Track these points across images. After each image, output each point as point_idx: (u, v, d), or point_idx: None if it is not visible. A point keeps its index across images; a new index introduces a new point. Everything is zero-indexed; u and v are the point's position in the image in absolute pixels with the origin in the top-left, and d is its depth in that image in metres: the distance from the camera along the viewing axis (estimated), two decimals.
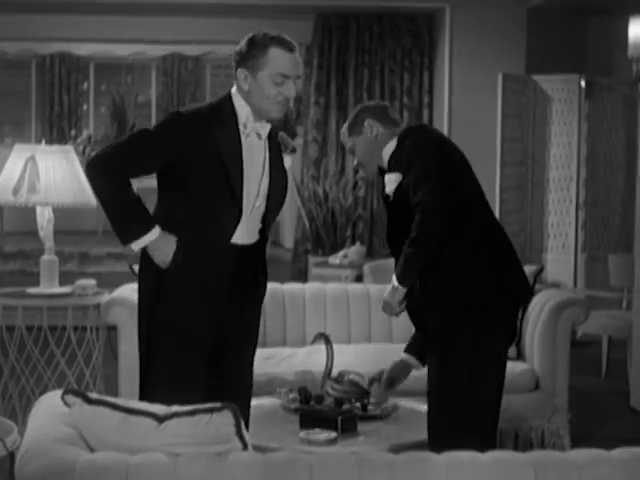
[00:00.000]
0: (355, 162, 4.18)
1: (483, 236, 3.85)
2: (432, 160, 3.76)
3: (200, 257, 3.72)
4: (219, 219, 3.72)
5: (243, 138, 3.75)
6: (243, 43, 3.72)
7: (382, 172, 4.03)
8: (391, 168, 3.90)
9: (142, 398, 3.69)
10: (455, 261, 3.78)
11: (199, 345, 3.79)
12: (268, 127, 3.81)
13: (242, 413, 3.89)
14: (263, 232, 3.86)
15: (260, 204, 3.80)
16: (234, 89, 3.79)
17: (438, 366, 3.85)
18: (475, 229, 3.84)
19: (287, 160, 3.92)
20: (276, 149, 3.87)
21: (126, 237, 3.73)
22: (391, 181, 3.84)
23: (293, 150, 3.93)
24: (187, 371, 3.77)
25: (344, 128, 4.16)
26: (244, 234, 3.77)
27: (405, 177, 3.79)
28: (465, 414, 3.79)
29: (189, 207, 3.72)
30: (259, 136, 3.79)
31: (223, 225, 3.72)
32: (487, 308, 3.81)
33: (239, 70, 3.72)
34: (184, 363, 3.77)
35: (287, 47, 3.69)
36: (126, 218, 3.74)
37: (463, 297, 3.79)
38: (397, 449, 4.19)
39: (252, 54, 3.68)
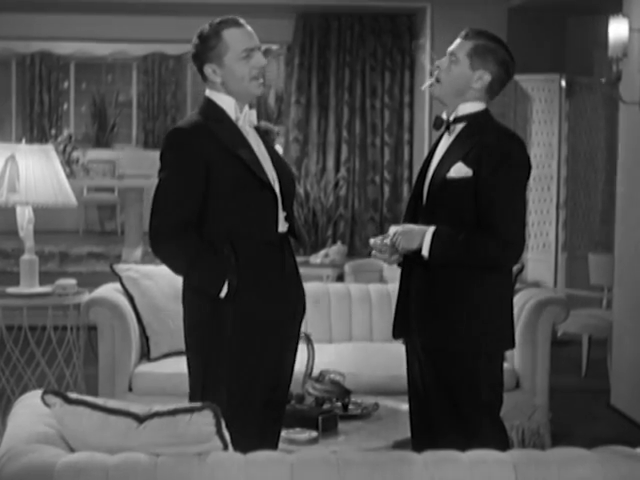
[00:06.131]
0: (435, 74, 3.70)
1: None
2: (523, 201, 3.83)
3: (258, 253, 3.63)
4: (263, 210, 3.64)
5: (241, 129, 3.72)
6: (195, 42, 3.68)
7: (441, 123, 3.75)
8: (469, 150, 3.62)
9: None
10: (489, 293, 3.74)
11: (268, 349, 3.66)
12: (254, 113, 3.78)
13: (280, 408, 3.85)
14: (287, 219, 3.75)
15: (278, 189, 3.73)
16: (208, 91, 3.75)
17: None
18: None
19: (277, 149, 3.89)
20: (262, 137, 3.84)
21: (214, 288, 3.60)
22: (459, 172, 3.61)
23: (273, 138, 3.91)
24: (254, 375, 3.63)
25: (464, 38, 3.64)
26: (280, 221, 3.71)
27: (481, 181, 3.59)
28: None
29: (231, 214, 3.61)
30: (250, 123, 3.76)
31: (267, 214, 3.65)
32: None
33: (205, 67, 3.67)
34: (253, 364, 3.62)
35: (235, 24, 3.66)
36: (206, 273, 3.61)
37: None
38: (377, 448, 4.21)
39: (209, 46, 3.64)
